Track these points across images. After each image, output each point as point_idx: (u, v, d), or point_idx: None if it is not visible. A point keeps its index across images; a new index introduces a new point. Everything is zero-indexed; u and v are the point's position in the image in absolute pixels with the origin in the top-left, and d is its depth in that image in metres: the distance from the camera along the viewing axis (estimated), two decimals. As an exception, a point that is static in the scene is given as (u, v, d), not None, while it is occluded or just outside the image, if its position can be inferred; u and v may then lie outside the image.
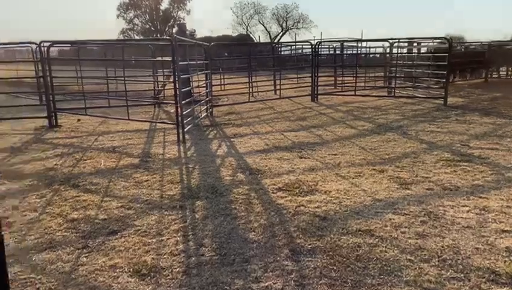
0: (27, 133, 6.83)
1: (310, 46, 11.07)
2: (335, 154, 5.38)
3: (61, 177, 4.48)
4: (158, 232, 3.10)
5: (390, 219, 3.23)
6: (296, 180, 4.22)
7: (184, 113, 6.25)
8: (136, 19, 55.67)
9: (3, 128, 7.27)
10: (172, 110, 9.86)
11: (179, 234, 3.05)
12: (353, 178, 4.34)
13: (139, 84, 10.76)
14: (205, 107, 8.36)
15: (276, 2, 60.45)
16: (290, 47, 21.53)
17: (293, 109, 9.57)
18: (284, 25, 54.79)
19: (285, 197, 3.79)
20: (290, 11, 54.20)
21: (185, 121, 6.22)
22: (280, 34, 54.98)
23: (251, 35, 43.21)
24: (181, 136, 6.14)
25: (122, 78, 6.70)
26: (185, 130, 6.24)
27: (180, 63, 6.10)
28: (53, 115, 7.42)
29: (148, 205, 3.65)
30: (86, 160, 5.18)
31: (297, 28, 54.45)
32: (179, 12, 56.31)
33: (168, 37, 5.94)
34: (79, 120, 7.95)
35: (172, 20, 56.27)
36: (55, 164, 4.97)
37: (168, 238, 2.99)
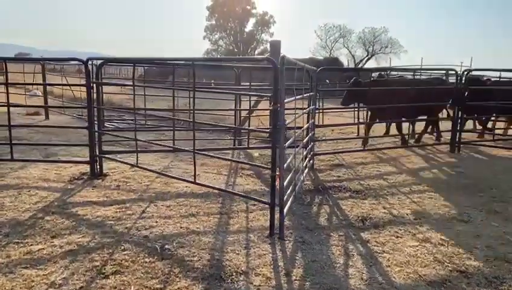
0: (55, 188, 4.74)
1: (448, 75, 7.99)
2: None
3: None
4: None
5: None
6: None
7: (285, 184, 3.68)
8: (220, 40, 56.33)
9: (34, 173, 5.31)
10: (256, 154, 7.44)
11: None
12: None
13: (219, 117, 8.55)
14: (306, 160, 5.73)
15: (363, 25, 56.89)
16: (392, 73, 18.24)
17: (431, 167, 6.54)
18: (370, 49, 51.08)
19: None
20: (378, 35, 50.45)
21: (285, 197, 3.63)
22: (365, 59, 51.33)
23: (339, 59, 40.37)
24: (277, 225, 3.56)
25: (187, 111, 4.32)
26: (285, 210, 3.65)
27: (287, 100, 3.56)
28: (97, 160, 5.32)
29: None
30: (107, 276, 2.78)
31: (384, 53, 50.41)
32: (262, 34, 55.75)
33: (269, 57, 3.42)
34: (132, 166, 5.79)
35: (255, 43, 55.78)
36: (50, 284, 2.65)
37: None
